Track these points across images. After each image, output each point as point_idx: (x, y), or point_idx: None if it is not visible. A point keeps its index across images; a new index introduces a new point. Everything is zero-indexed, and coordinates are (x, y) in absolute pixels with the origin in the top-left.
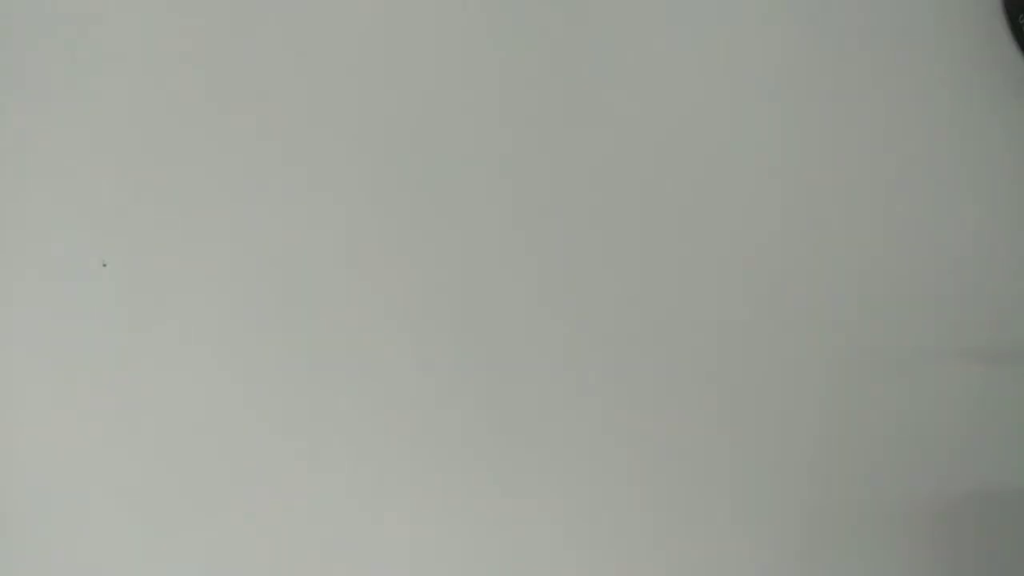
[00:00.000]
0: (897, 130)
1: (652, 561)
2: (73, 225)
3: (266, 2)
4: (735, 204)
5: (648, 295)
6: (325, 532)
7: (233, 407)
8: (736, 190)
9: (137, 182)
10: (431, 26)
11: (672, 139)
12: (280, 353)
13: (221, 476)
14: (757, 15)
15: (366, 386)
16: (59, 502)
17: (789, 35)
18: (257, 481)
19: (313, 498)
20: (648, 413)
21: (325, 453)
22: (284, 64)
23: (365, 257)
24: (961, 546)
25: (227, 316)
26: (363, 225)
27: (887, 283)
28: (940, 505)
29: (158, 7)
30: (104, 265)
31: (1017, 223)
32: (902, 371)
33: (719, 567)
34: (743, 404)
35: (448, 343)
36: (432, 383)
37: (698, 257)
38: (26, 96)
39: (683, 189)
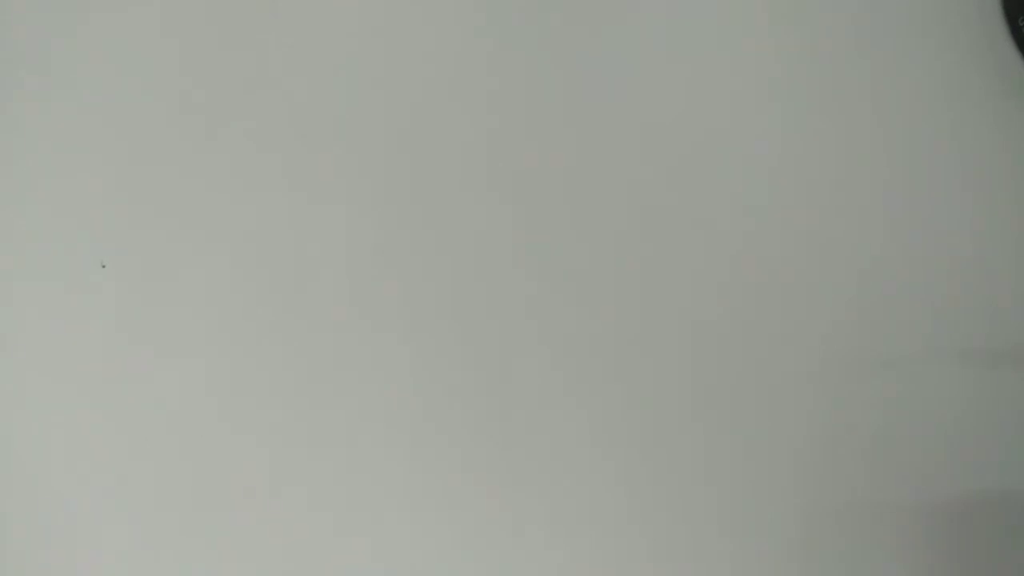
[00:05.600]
0: (895, 131)
1: (647, 563)
2: (72, 225)
3: (263, 6)
4: (731, 203)
5: (647, 296)
6: (323, 535)
7: (231, 411)
8: (732, 189)
9: (136, 183)
10: (428, 25)
11: (669, 140)
12: (280, 352)
13: (217, 478)
14: (754, 13)
15: (365, 390)
16: (57, 503)
17: (786, 34)
18: (255, 484)
19: (311, 500)
20: (643, 414)
21: (323, 457)
22: (283, 66)
23: (365, 262)
24: (960, 548)
25: (227, 318)
26: (363, 229)
27: (885, 283)
28: (938, 507)
29: (158, 11)
30: (103, 266)
31: (1016, 224)
32: (901, 371)
33: (717, 569)
34: (740, 405)
35: (445, 346)
36: (429, 387)
37: (697, 257)
38: (25, 97)
39: (681, 189)
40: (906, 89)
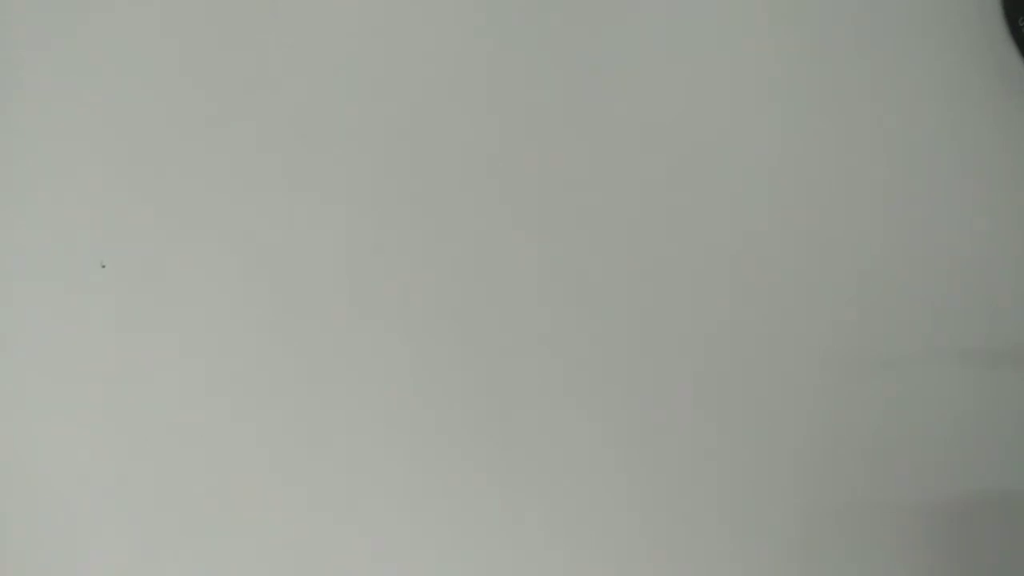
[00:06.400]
0: (896, 131)
1: (647, 563)
2: (72, 226)
3: (263, 6)
4: (731, 204)
5: (646, 296)
6: (323, 535)
7: (231, 411)
8: (733, 190)
9: (137, 184)
10: (427, 27)
11: (669, 140)
12: (280, 352)
13: (217, 478)
14: (754, 13)
15: (365, 390)
16: (58, 503)
17: (787, 36)
18: (255, 484)
19: (311, 500)
20: (642, 414)
21: (323, 457)
22: (283, 66)
23: (365, 262)
24: (959, 549)
25: (226, 318)
26: (363, 229)
27: (885, 284)
28: (938, 507)
29: (158, 10)
30: (103, 266)
31: (1016, 224)
32: (900, 371)
33: (717, 569)
34: (741, 406)
35: (445, 346)
36: (429, 387)
37: (697, 257)
38: (25, 97)
39: (681, 190)
40: (906, 89)
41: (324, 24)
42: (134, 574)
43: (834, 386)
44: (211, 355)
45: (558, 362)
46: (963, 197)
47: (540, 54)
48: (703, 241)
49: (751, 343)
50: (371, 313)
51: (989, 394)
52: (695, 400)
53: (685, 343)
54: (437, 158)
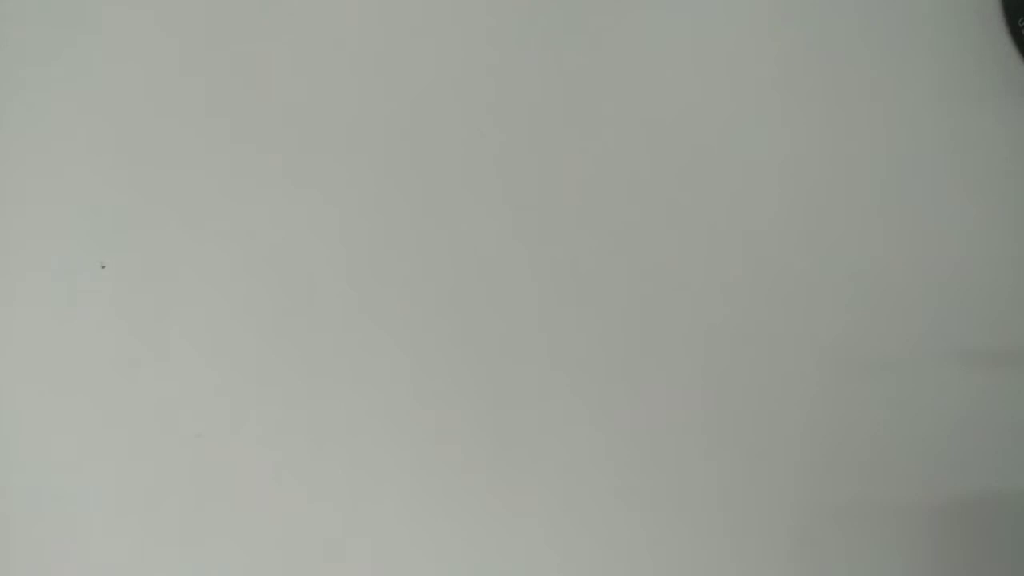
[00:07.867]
0: (895, 131)
1: (647, 563)
2: (72, 226)
3: (263, 6)
4: (731, 204)
5: (647, 297)
6: (323, 535)
7: (231, 410)
8: (732, 190)
9: (136, 183)
10: (428, 27)
11: (669, 141)
12: (280, 352)
13: (218, 478)
14: (755, 14)
15: (365, 392)
16: (58, 503)
17: (787, 36)
18: (255, 486)
19: (312, 501)
20: (643, 414)
21: (324, 457)
22: (283, 67)
23: (366, 263)
24: (960, 548)
25: (226, 319)
26: (364, 230)
27: (885, 284)
28: (938, 507)
29: (157, 9)
30: (103, 267)
31: (1016, 224)
32: (900, 372)
33: (717, 568)
34: (741, 406)
35: (447, 348)
36: (431, 388)
37: (697, 257)
38: (26, 96)
39: (681, 189)
40: (906, 89)
41: (324, 24)
42: (134, 574)
43: (834, 386)
44: (211, 355)
45: (558, 362)
46: (963, 197)
47: (541, 54)
48: (703, 241)
49: (751, 343)
50: (371, 313)
51: (989, 394)
52: (695, 400)
53: (685, 343)
54: (438, 158)
